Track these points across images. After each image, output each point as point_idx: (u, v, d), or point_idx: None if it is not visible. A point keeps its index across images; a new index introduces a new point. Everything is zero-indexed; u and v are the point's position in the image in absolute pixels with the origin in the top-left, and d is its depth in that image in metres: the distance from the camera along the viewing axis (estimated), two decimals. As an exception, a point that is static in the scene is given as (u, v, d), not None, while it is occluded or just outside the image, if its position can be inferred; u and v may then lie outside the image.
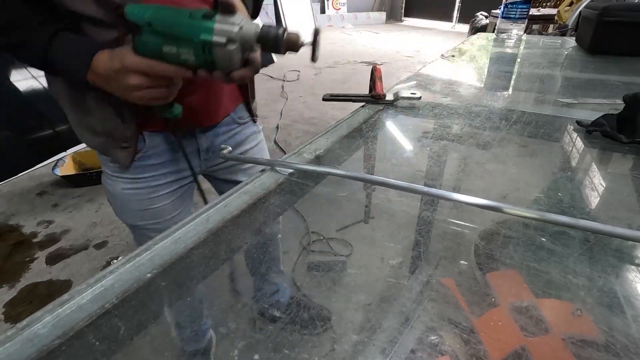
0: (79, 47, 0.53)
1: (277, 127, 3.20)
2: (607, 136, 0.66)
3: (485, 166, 0.59)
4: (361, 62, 5.54)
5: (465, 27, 7.33)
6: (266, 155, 0.94)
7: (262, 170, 0.57)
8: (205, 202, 0.88)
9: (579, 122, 0.71)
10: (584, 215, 0.45)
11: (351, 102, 0.87)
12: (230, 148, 0.63)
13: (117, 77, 0.51)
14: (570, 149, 0.63)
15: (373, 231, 0.49)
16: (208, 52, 0.46)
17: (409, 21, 10.21)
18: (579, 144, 0.65)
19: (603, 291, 0.34)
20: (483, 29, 6.19)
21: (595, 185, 0.53)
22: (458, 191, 0.44)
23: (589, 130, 0.68)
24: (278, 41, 0.47)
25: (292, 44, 0.48)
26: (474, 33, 6.84)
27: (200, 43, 0.46)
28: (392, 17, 10.43)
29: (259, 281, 0.44)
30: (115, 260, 2.22)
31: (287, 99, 3.90)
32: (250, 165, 0.91)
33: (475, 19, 6.66)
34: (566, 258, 0.38)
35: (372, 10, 10.19)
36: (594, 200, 0.50)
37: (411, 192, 0.46)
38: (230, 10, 0.45)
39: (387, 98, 0.83)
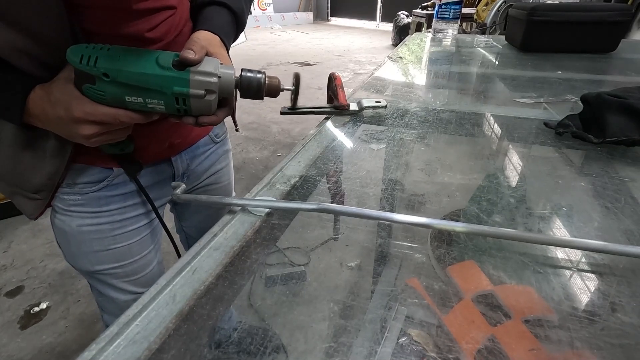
0: (5, 88, 0.42)
1: (215, 137, 3.01)
2: (577, 137, 0.66)
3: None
4: (295, 63, 5.48)
5: (389, 26, 7.65)
6: (232, 178, 0.83)
7: (231, 212, 0.46)
8: (177, 250, 0.72)
9: (546, 124, 0.71)
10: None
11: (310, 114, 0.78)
12: (184, 185, 0.51)
13: (62, 124, 0.42)
14: (555, 154, 0.62)
15: (335, 242, 0.45)
16: (182, 103, 0.41)
17: (336, 21, 10.39)
18: (557, 146, 0.64)
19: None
20: (406, 27, 6.50)
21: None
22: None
23: (558, 132, 0.67)
24: (260, 89, 0.44)
25: (273, 91, 0.46)
26: (399, 31, 7.15)
27: (174, 95, 0.40)
28: (319, 17, 10.54)
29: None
30: (36, 308, 1.86)
31: (222, 105, 3.72)
32: (224, 184, 0.80)
33: (398, 18, 6.97)
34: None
35: (298, 11, 10.19)
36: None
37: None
38: (192, 64, 0.41)
39: (351, 108, 0.76)
